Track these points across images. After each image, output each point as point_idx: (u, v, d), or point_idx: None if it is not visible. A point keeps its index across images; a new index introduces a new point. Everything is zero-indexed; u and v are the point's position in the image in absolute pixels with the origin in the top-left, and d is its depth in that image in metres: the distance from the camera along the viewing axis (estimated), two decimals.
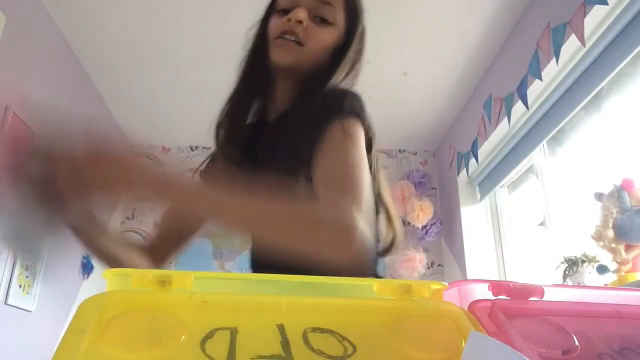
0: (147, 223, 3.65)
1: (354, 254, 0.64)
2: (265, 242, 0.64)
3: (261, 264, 0.86)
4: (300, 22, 0.86)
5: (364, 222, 0.65)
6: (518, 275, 2.95)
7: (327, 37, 0.90)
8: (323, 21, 0.90)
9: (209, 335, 0.46)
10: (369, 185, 0.76)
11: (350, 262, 0.63)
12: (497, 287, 0.56)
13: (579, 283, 1.98)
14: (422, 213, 3.47)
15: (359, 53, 0.99)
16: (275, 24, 0.89)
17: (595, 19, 1.93)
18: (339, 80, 0.90)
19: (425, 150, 3.95)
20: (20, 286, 2.21)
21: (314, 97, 0.82)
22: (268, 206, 0.64)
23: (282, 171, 0.81)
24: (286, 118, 0.88)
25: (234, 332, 0.47)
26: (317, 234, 0.64)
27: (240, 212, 0.64)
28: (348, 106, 0.83)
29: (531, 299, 0.56)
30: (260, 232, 0.66)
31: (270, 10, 0.93)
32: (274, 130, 0.90)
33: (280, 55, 0.87)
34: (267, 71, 0.91)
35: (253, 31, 0.96)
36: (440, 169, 3.82)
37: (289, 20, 0.86)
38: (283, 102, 0.91)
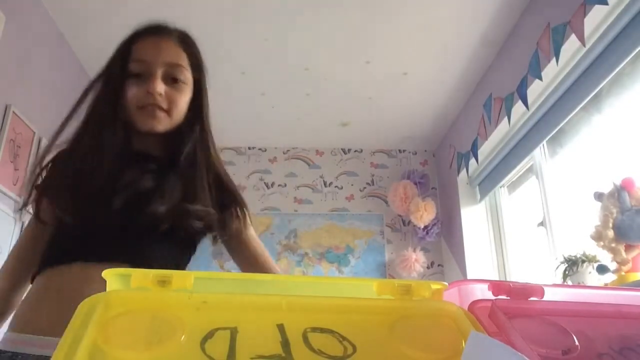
0: None
1: None
2: None
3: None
4: (160, 95, 0.97)
5: None
6: (518, 275, 2.95)
7: (183, 98, 1.02)
8: (175, 81, 1.00)
9: (209, 335, 0.46)
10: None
11: None
12: (497, 287, 0.56)
13: (579, 283, 1.98)
14: (427, 213, 3.47)
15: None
16: (135, 93, 0.97)
17: (595, 19, 1.94)
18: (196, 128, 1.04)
19: (425, 150, 3.95)
20: None
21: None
22: None
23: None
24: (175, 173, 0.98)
25: (234, 332, 0.47)
26: None
27: None
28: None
29: (531, 299, 0.56)
30: None
31: (122, 74, 1.00)
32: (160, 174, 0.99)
33: (151, 124, 0.98)
34: (123, 124, 0.99)
35: (98, 86, 1.03)
36: (440, 169, 3.82)
37: (149, 92, 0.96)
38: (153, 147, 1.03)
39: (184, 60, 1.03)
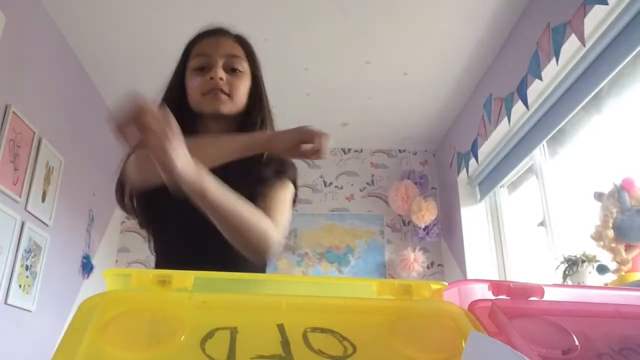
0: None
1: (263, 258, 0.94)
2: (226, 212, 0.86)
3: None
4: (221, 79, 1.06)
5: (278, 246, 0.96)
6: (518, 275, 2.95)
7: (243, 85, 1.10)
8: (234, 71, 1.09)
9: (209, 335, 0.46)
10: (288, 224, 1.09)
11: (258, 260, 0.94)
12: (497, 287, 0.56)
13: (579, 283, 1.98)
14: (428, 213, 3.47)
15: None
16: (199, 82, 1.07)
17: (595, 19, 1.93)
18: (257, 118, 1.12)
19: (425, 150, 3.95)
20: (20, 286, 2.21)
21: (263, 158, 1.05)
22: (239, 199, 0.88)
23: None
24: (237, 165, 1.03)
25: (234, 332, 0.47)
26: (258, 230, 0.91)
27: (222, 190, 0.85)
28: (291, 174, 1.11)
29: (531, 299, 0.56)
30: (229, 204, 0.87)
31: (183, 70, 1.11)
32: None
33: (216, 107, 1.06)
34: (191, 116, 1.09)
35: (167, 85, 1.13)
36: (440, 169, 3.82)
37: (212, 78, 1.06)
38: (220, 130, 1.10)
39: (240, 52, 1.11)
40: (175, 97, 1.09)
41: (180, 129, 0.95)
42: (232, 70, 1.09)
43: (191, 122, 1.06)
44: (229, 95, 1.07)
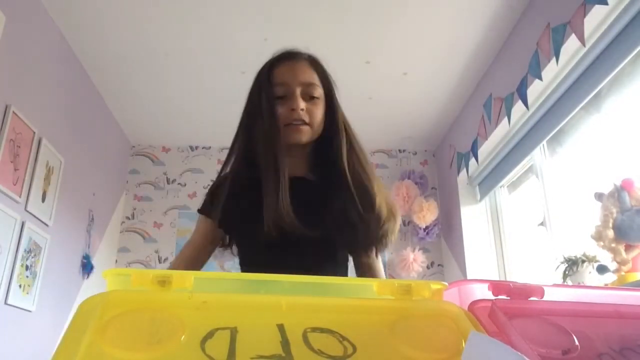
0: (147, 223, 3.66)
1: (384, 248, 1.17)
2: None
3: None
4: (302, 110, 1.12)
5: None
6: (518, 275, 2.95)
7: (320, 111, 1.15)
8: (312, 98, 1.15)
9: (209, 335, 0.46)
10: None
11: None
12: (497, 287, 0.56)
13: (579, 283, 1.98)
14: (429, 213, 3.47)
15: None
16: (282, 113, 1.12)
17: (595, 19, 1.93)
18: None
19: (425, 150, 3.95)
20: (20, 286, 2.21)
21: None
22: None
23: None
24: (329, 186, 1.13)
25: (234, 332, 0.46)
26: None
27: None
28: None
29: (531, 299, 0.56)
30: None
31: (260, 94, 1.15)
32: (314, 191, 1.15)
33: (297, 137, 1.12)
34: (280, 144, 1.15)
35: (254, 113, 1.16)
36: (440, 169, 3.82)
37: (293, 109, 1.11)
38: (300, 165, 1.18)
39: (315, 79, 1.18)
40: (267, 120, 1.13)
41: (276, 147, 1.09)
42: (310, 98, 1.14)
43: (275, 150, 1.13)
44: (309, 124, 1.13)
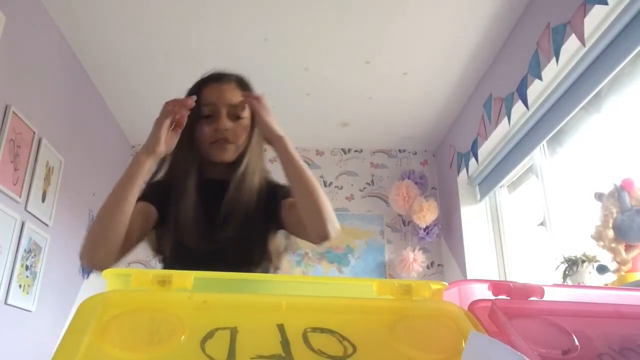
0: None
1: (326, 238, 1.05)
2: (302, 170, 1.08)
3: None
4: (227, 129, 1.19)
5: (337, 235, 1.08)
6: (518, 275, 2.95)
7: (244, 130, 1.22)
8: (238, 118, 1.21)
9: (209, 335, 0.46)
10: None
11: (318, 241, 1.06)
12: (497, 287, 0.56)
13: (579, 283, 1.98)
14: (430, 213, 3.47)
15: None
16: (206, 132, 1.19)
17: (595, 19, 1.93)
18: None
19: (425, 150, 3.95)
20: (20, 286, 2.21)
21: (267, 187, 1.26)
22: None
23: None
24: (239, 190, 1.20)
25: (234, 332, 0.47)
26: (330, 209, 1.06)
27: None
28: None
29: (531, 299, 0.56)
30: (304, 166, 1.09)
31: (196, 117, 1.19)
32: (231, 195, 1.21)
33: (222, 157, 1.20)
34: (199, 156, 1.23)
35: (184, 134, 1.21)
36: (440, 169, 3.82)
37: (217, 130, 1.18)
38: (220, 173, 1.24)
39: (239, 99, 1.22)
40: (190, 138, 1.19)
41: (189, 167, 1.18)
42: (236, 118, 1.20)
43: (198, 163, 1.21)
44: (234, 143, 1.20)
